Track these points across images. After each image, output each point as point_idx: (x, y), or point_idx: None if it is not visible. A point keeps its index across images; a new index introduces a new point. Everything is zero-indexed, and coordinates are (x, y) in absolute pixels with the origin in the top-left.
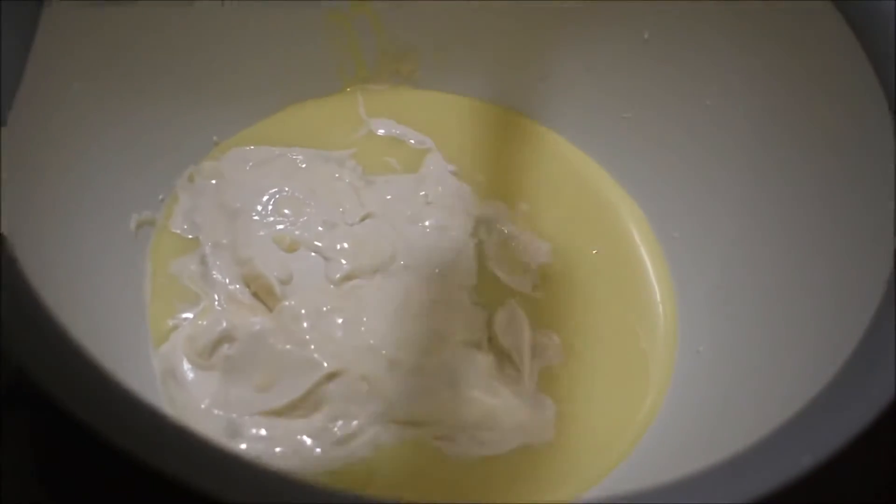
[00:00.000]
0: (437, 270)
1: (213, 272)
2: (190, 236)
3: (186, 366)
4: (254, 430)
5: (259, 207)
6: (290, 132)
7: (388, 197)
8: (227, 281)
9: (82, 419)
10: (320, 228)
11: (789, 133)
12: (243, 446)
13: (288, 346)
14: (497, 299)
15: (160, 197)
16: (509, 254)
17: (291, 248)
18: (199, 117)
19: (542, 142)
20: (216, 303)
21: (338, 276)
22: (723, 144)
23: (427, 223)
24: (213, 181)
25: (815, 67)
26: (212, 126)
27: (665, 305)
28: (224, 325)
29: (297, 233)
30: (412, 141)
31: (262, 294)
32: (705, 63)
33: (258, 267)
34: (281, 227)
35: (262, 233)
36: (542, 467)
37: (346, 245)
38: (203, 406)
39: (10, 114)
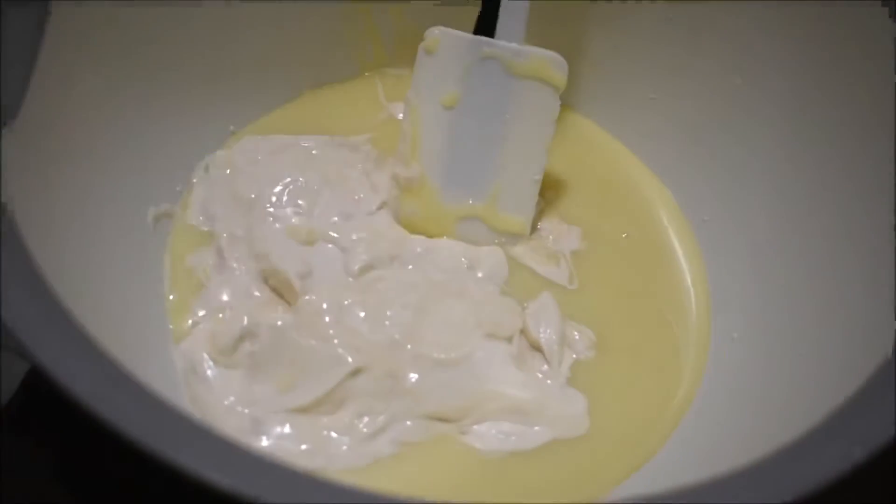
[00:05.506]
0: (462, 259)
1: (232, 264)
2: (205, 228)
3: (208, 363)
4: (278, 428)
5: (273, 198)
6: (308, 118)
7: None
8: (246, 275)
9: (101, 417)
10: (336, 219)
11: (821, 113)
12: (268, 444)
13: (312, 342)
14: (528, 289)
15: (178, 188)
16: (538, 241)
17: (308, 240)
18: (216, 106)
19: (568, 124)
20: (236, 298)
21: (356, 267)
22: (752, 124)
23: None
24: (227, 171)
25: (847, 44)
26: (228, 115)
27: (697, 290)
28: (245, 321)
29: (312, 224)
30: None
31: (282, 289)
32: (733, 42)
33: (276, 262)
34: (296, 219)
35: (277, 225)
36: (572, 462)
37: (363, 235)
38: (226, 403)
39: (23, 110)
